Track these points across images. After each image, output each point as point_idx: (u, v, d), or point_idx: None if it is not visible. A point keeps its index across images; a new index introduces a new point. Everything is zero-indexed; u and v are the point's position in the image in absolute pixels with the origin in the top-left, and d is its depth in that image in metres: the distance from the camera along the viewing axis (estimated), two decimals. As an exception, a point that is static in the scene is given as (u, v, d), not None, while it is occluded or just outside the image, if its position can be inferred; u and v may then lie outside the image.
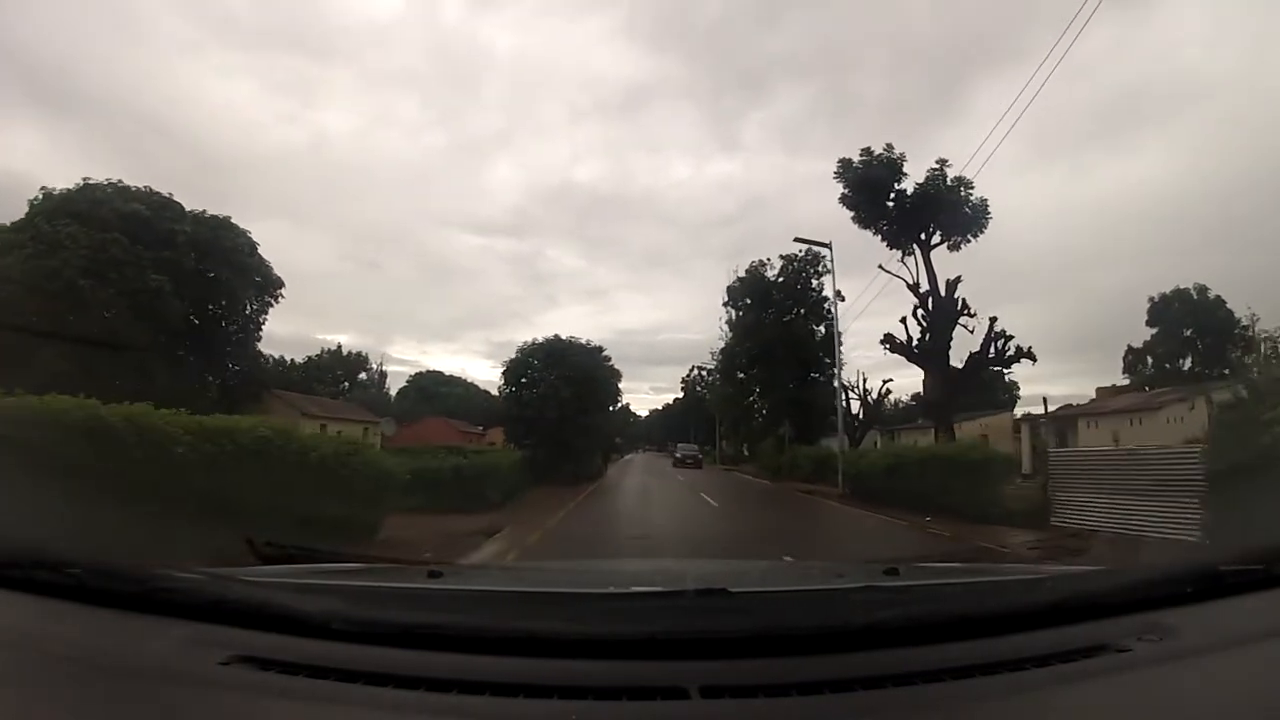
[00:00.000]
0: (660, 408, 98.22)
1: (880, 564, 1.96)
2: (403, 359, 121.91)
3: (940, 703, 1.06)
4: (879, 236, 23.10)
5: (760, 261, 36.48)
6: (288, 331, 78.39)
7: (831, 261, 22.79)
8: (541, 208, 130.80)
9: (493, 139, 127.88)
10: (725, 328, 43.18)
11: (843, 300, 37.58)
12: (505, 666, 1.09)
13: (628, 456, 72.68)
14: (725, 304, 37.78)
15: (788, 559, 7.24)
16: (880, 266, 22.51)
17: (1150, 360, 54.49)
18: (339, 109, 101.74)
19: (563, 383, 23.97)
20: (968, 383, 21.10)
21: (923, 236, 22.52)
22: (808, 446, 30.27)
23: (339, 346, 53.92)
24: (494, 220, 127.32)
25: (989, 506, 13.06)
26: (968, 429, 41.81)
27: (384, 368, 59.90)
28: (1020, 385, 58.14)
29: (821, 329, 35.11)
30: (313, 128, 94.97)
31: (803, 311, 35.00)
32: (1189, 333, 52.00)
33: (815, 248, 23.26)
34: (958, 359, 21.37)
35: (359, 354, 54.32)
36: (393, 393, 61.79)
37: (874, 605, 1.41)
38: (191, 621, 1.21)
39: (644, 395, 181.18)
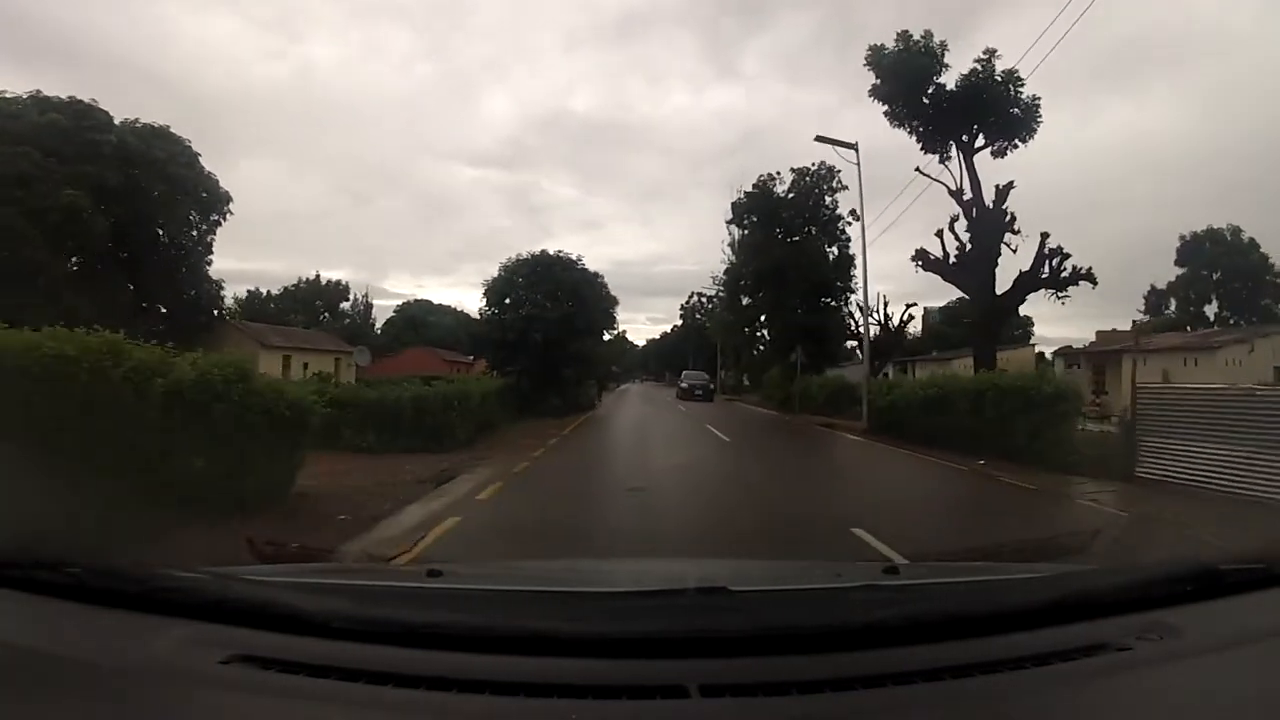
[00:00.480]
0: (658, 337, 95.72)
1: (880, 563, 2.05)
2: (399, 292, 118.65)
3: (940, 702, 1.04)
4: (913, 137, 19.98)
5: (769, 175, 33.12)
6: (282, 269, 76.85)
7: (858, 165, 19.64)
8: (536, 138, 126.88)
9: (486, 69, 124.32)
10: (728, 251, 40.27)
11: (857, 219, 34.91)
12: (505, 666, 1.07)
13: (624, 386, 71.11)
14: (729, 221, 34.62)
15: (858, 532, 5.77)
16: (918, 169, 19.47)
17: (1174, 302, 51.62)
18: (326, 43, 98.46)
19: (550, 302, 21.28)
20: (1013, 304, 18.44)
21: (964, 138, 19.43)
22: (818, 376, 28.07)
23: (317, 275, 50.64)
24: (489, 152, 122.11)
25: (1057, 451, 10.76)
26: (966, 365, 39.58)
27: (369, 298, 56.71)
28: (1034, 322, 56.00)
29: (834, 250, 32.27)
30: (300, 63, 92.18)
31: (814, 231, 31.97)
32: (1216, 275, 48.95)
33: (838, 148, 19.73)
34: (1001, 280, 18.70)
35: (339, 283, 51.07)
36: (379, 324, 59.02)
37: (874, 605, 1.37)
38: (192, 621, 1.19)
39: (641, 326, 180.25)
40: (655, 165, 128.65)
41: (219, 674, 1.06)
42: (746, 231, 33.84)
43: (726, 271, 35.94)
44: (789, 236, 31.84)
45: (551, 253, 22.58)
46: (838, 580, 1.87)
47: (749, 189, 33.11)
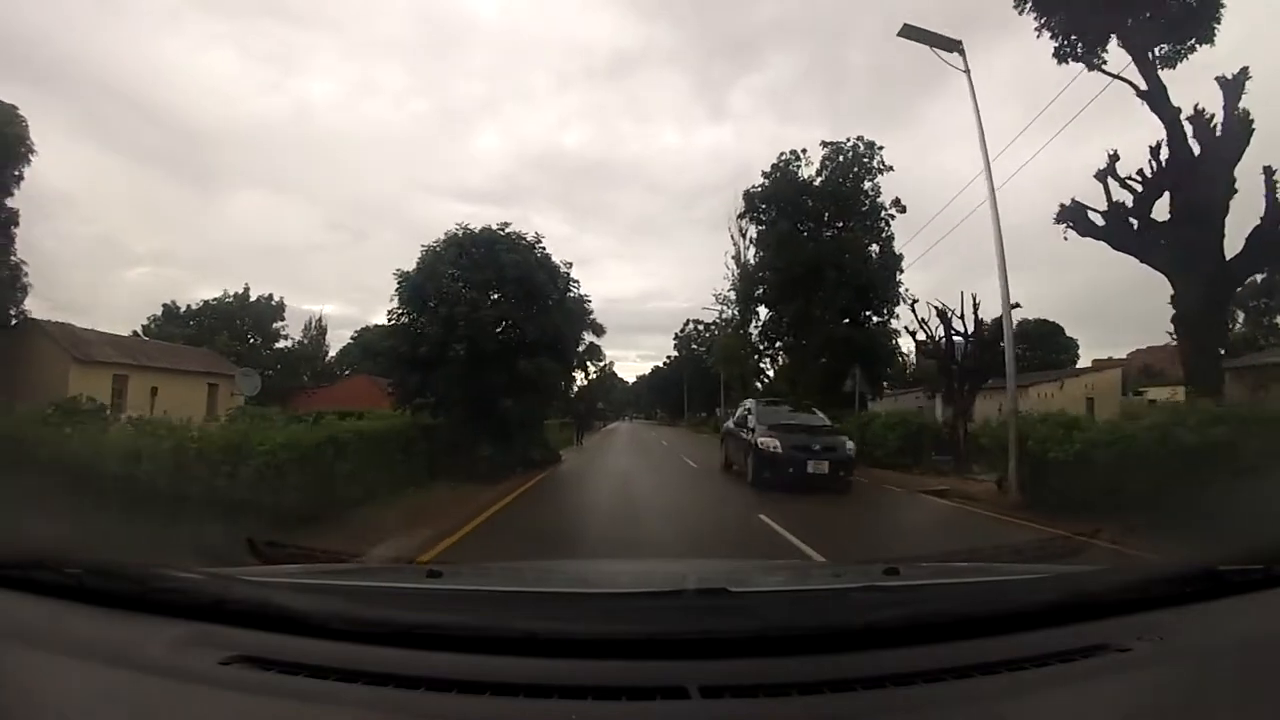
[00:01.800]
0: (648, 372, 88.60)
1: (880, 564, 1.86)
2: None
3: (940, 703, 1.03)
4: (1048, 33, 12.90)
5: (792, 153, 26.06)
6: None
7: (967, 73, 12.33)
8: (528, 175, 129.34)
9: (479, 106, 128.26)
10: (732, 264, 33.15)
11: (903, 211, 27.82)
12: (505, 666, 1.07)
13: (612, 425, 63.54)
14: (740, 215, 27.47)
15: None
16: (1100, 69, 12.22)
17: (1242, 315, 44.63)
18: (323, 78, 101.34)
19: (486, 295, 13.69)
20: (1243, 277, 11.02)
21: (1129, 23, 12.37)
22: (869, 411, 20.79)
23: (245, 289, 42.59)
24: (481, 188, 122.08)
25: None
26: (1044, 392, 32.12)
27: (323, 322, 48.80)
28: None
29: (875, 249, 25.08)
30: (296, 98, 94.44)
31: (851, 224, 24.85)
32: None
33: (937, 51, 12.37)
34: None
35: (270, 298, 42.77)
36: (335, 350, 51.29)
37: (874, 605, 1.38)
38: (192, 621, 1.19)
39: (632, 363, 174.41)
40: (646, 203, 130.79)
41: (219, 674, 1.05)
42: (764, 227, 26.71)
43: (739, 279, 28.44)
44: (821, 230, 24.75)
45: (495, 227, 14.96)
46: (838, 581, 1.87)
47: (767, 169, 26.06)
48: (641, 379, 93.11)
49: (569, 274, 15.12)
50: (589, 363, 17.73)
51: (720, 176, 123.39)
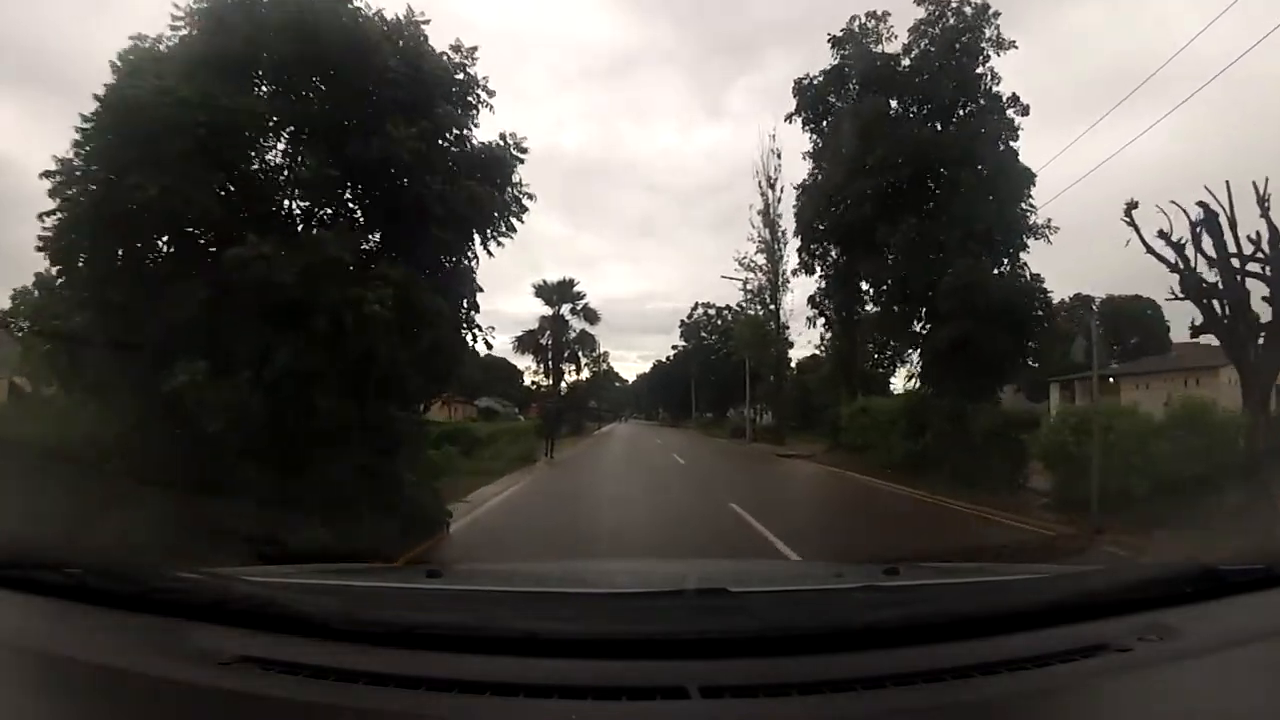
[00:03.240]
0: (648, 369, 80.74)
1: (880, 564, 1.85)
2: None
3: (940, 703, 1.01)
4: None
5: (870, 15, 17.40)
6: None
7: None
8: (526, 176, 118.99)
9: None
10: (758, 223, 24.66)
11: (1025, 114, 19.33)
12: (505, 666, 1.05)
13: (607, 428, 55.07)
14: (791, 115, 18.60)
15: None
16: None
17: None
18: None
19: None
20: None
21: None
22: (991, 406, 13.62)
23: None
24: None
25: None
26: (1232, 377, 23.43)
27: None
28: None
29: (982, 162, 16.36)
30: None
31: (971, 111, 16.23)
32: None
33: None
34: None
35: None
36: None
37: (874, 605, 1.37)
38: (193, 622, 1.17)
39: (632, 364, 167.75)
40: (645, 203, 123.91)
41: (220, 675, 1.02)
42: (825, 130, 18.03)
43: (804, 191, 19.03)
44: (927, 120, 16.18)
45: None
46: (838, 581, 1.84)
47: (838, 34, 17.39)
48: (642, 377, 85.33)
49: (471, 74, 6.50)
50: (580, 354, 9.29)
51: (719, 177, 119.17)
